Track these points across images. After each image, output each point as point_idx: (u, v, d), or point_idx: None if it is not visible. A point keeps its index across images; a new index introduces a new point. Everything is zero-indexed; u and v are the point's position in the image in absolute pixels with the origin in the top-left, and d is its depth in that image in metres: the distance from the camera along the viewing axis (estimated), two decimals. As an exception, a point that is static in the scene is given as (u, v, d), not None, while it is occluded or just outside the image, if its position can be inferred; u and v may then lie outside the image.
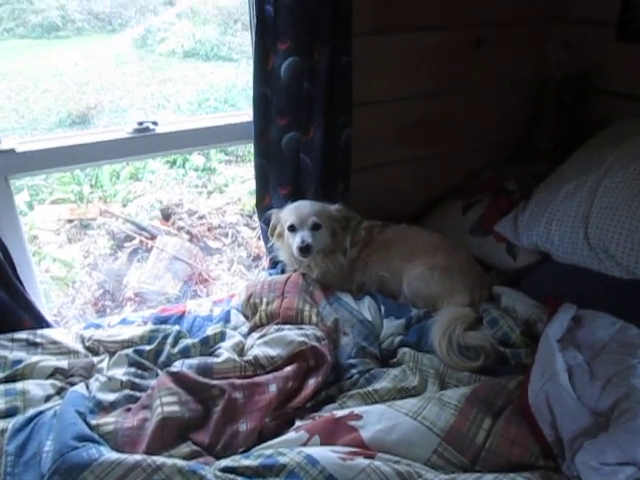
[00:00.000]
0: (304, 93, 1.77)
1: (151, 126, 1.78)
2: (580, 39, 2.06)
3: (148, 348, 1.52)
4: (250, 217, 3.16)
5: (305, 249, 1.68)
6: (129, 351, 1.51)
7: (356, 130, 1.91)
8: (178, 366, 1.39)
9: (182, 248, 2.96)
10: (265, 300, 1.65)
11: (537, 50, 2.19)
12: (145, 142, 1.79)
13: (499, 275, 1.86)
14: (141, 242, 3.03)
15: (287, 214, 1.74)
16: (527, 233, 1.80)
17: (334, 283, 1.77)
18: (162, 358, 1.51)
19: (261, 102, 1.78)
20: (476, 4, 2.01)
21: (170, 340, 1.55)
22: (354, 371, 1.46)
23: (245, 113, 1.90)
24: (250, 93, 1.78)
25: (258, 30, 1.69)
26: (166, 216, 3.29)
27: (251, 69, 1.75)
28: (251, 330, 1.62)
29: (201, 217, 3.33)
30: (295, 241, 1.70)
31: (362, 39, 1.84)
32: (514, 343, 1.51)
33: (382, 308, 1.69)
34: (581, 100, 2.04)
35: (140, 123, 1.78)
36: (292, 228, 1.71)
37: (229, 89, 4.04)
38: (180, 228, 3.21)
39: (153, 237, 3.06)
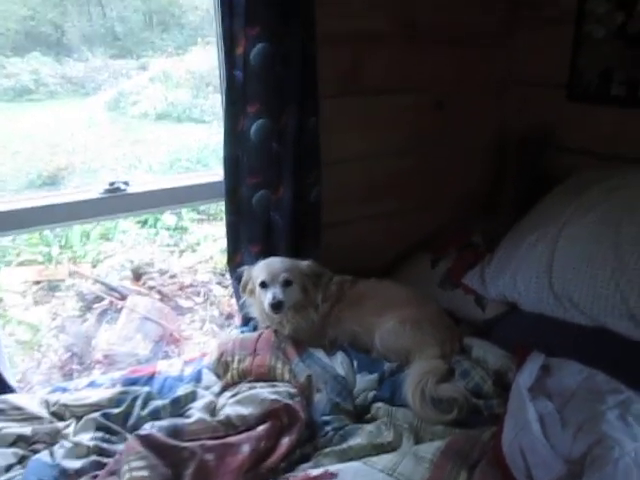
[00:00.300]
0: (273, 153, 1.82)
1: (122, 186, 1.80)
2: (535, 100, 2.19)
3: (116, 411, 1.48)
4: (222, 275, 3.15)
5: (277, 305, 1.69)
6: (96, 415, 1.47)
7: (326, 187, 1.96)
8: (147, 429, 1.36)
9: (153, 308, 2.92)
10: (237, 358, 1.64)
11: (496, 110, 2.32)
12: (116, 202, 1.81)
13: (469, 327, 1.88)
14: (111, 303, 2.99)
15: (258, 271, 1.75)
16: (494, 285, 1.84)
17: (306, 339, 1.76)
18: (131, 421, 1.47)
19: (231, 162, 1.83)
20: (437, 69, 2.13)
21: (139, 402, 1.51)
22: (328, 428, 1.44)
23: (215, 173, 1.94)
24: (222, 153, 1.83)
25: (228, 94, 1.76)
26: (137, 276, 3.26)
27: (223, 130, 1.81)
28: (223, 389, 1.59)
29: (173, 276, 3.30)
30: (267, 298, 1.70)
31: (330, 101, 1.93)
32: (486, 394, 1.52)
33: (355, 363, 1.69)
34: (539, 156, 2.14)
35: (111, 183, 1.79)
36: (263, 285, 1.72)
37: (201, 149, 4.10)
38: (151, 288, 3.18)
39: (123, 297, 3.01)
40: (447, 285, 1.98)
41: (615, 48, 1.90)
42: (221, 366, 1.66)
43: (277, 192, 1.88)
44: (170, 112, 4.29)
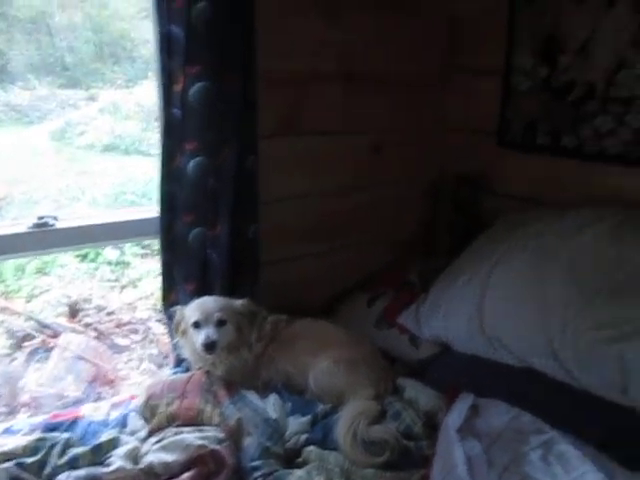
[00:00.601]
0: (210, 190, 1.82)
1: (51, 221, 1.74)
2: (469, 146, 2.28)
3: (31, 460, 1.40)
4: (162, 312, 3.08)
5: (210, 346, 1.65)
6: (10, 464, 1.38)
7: (265, 225, 1.96)
8: (63, 479, 1.28)
9: (87, 347, 2.80)
10: (165, 401, 1.58)
11: (432, 155, 2.40)
12: (44, 237, 1.75)
13: (404, 367, 1.89)
14: (43, 341, 2.85)
15: (191, 310, 1.71)
16: (428, 325, 1.87)
17: (239, 380, 1.73)
18: (47, 470, 1.39)
19: (168, 199, 1.81)
20: (376, 113, 2.20)
21: (57, 450, 1.43)
22: (257, 474, 1.40)
23: (152, 209, 1.92)
24: (166, 188, 1.81)
25: (165, 131, 1.76)
26: (73, 312, 3.13)
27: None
28: (150, 434, 1.53)
29: (110, 313, 3.20)
30: (199, 338, 1.67)
31: (270, 140, 1.95)
32: (417, 435, 1.52)
33: (288, 405, 1.66)
34: (473, 199, 2.22)
35: (40, 218, 1.74)
36: (196, 325, 1.69)
37: (147, 183, 4.05)
38: (87, 325, 3.06)
39: (56, 335, 2.89)
40: (383, 324, 2.00)
41: (540, 100, 2.01)
42: (148, 410, 1.60)
43: (214, 229, 1.86)
44: (118, 144, 4.23)
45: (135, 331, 3.11)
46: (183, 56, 1.69)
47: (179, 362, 1.91)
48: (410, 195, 2.40)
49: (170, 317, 1.85)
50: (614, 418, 1.48)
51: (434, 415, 1.58)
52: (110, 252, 3.59)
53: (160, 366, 2.80)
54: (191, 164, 1.78)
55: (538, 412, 1.53)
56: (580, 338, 1.54)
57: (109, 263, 3.57)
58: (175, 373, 1.86)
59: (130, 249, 3.66)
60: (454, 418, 1.50)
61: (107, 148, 4.18)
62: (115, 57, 3.76)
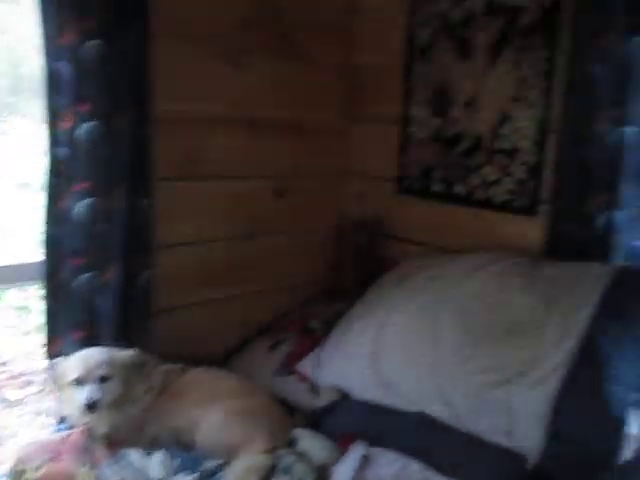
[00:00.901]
0: (101, 234, 1.73)
1: None
2: (370, 191, 2.33)
3: None
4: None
5: (91, 406, 1.53)
6: None
7: (161, 271, 1.89)
8: None
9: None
10: (34, 465, 1.44)
11: (334, 199, 2.44)
12: None
13: (304, 416, 1.84)
14: None
15: (72, 365, 1.59)
16: (326, 372, 1.84)
17: (125, 437, 1.61)
18: None
19: (53, 243, 1.71)
20: (279, 157, 2.21)
21: None
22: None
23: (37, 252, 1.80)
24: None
25: (51, 170, 1.67)
26: (-43, 364, 2.87)
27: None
28: (15, 503, 1.39)
29: (2, 364, 2.96)
30: (80, 397, 1.54)
31: (168, 183, 1.91)
32: (308, 489, 1.46)
33: (177, 461, 1.56)
34: (373, 243, 2.26)
35: None
36: (77, 381, 1.57)
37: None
38: (-29, 378, 2.81)
39: None
40: (283, 372, 1.95)
41: (434, 149, 2.10)
42: (16, 475, 1.45)
43: (104, 275, 1.77)
44: (31, 182, 4.03)
45: (30, 383, 2.88)
46: (72, 94, 1.64)
47: (63, 418, 1.77)
48: (314, 240, 2.41)
49: (51, 369, 1.72)
50: (503, 463, 1.49)
51: (327, 467, 1.53)
52: (14, 295, 3.35)
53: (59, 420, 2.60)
54: (80, 206, 1.70)
55: (431, 459, 1.51)
56: (468, 383, 1.56)
57: (12, 307, 3.33)
58: (59, 430, 1.72)
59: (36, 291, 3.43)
60: (346, 469, 1.46)
61: (22, 185, 3.97)
62: (32, 91, 3.61)
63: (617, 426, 1.33)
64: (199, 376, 1.76)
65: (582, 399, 1.40)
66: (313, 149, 2.32)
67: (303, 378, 1.90)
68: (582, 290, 1.59)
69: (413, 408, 1.68)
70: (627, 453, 1.35)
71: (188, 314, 2.05)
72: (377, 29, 2.29)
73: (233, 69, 2.03)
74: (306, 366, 1.91)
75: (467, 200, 2.01)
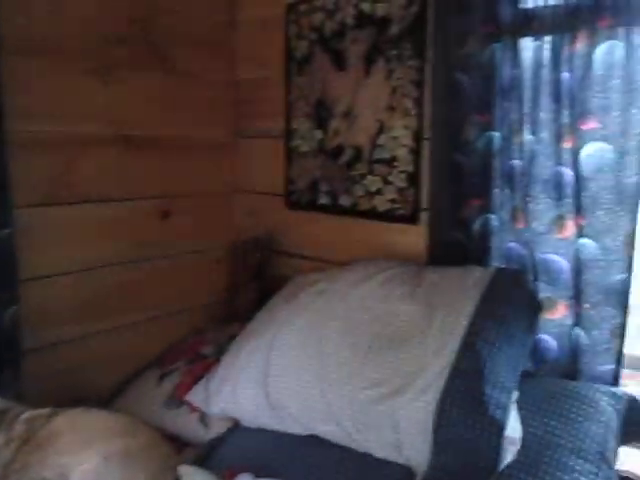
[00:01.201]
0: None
1: None
2: (260, 207, 2.27)
3: None
4: None
5: None
6: None
7: (29, 306, 1.74)
8: None
9: None
10: None
11: (225, 218, 2.36)
12: None
13: (194, 450, 1.73)
14: None
15: None
16: (216, 400, 1.74)
17: (-17, 497, 1.44)
18: None
19: None
20: (163, 176, 2.11)
21: None
22: None
23: None
24: None
25: None
26: None
27: None
28: None
29: None
30: None
31: (33, 210, 1.76)
32: (189, 533, 1.36)
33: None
34: (266, 262, 2.19)
35: None
36: None
37: None
38: None
39: None
40: (172, 404, 1.83)
41: (318, 162, 2.07)
42: None
43: (-41, 316, 1.60)
44: None
45: None
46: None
47: None
48: (206, 261, 2.31)
49: None
50: (392, 479, 1.45)
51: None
52: None
53: None
54: None
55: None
56: (355, 399, 1.51)
57: None
58: None
59: None
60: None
61: None
62: None
63: (497, 430, 1.33)
64: (71, 419, 1.61)
65: (462, 406, 1.38)
66: (200, 166, 2.24)
67: (193, 409, 1.80)
68: (461, 295, 1.59)
69: (304, 431, 1.62)
70: (508, 456, 1.36)
71: (68, 350, 1.89)
72: (257, 43, 2.25)
73: (103, 85, 1.92)
74: (196, 395, 1.80)
75: (353, 211, 2.00)
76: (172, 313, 2.20)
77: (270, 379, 1.67)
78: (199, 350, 2.01)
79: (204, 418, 1.78)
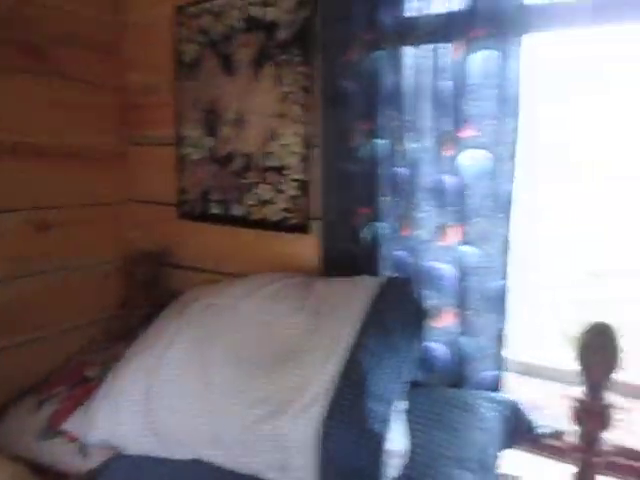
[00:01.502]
0: None
1: None
2: (152, 218, 2.16)
3: None
4: None
5: None
6: None
7: None
8: None
9: None
10: None
11: (113, 230, 2.23)
12: None
13: (74, 482, 1.60)
14: None
15: None
16: (95, 427, 1.61)
17: None
18: None
19: None
20: (44, 187, 1.97)
21: None
22: None
23: None
24: None
25: None
26: None
27: None
28: None
29: None
30: None
31: None
32: None
33: None
34: (159, 275, 2.08)
35: None
36: None
37: None
38: None
39: None
40: (48, 434, 1.69)
41: (210, 171, 1.99)
42: None
43: None
44: None
45: None
46: None
47: None
48: (94, 275, 2.17)
49: None
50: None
51: None
52: None
53: None
54: None
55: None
56: (240, 420, 1.44)
57: None
58: None
59: None
60: None
61: None
62: None
63: (377, 444, 1.29)
64: None
65: (345, 420, 1.34)
66: (88, 176, 2.11)
67: (72, 438, 1.66)
68: (350, 306, 1.56)
69: (191, 456, 1.53)
70: (391, 471, 1.33)
71: None
72: (146, 46, 2.15)
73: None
74: (74, 423, 1.66)
75: (245, 221, 1.93)
76: (58, 333, 2.05)
77: (154, 402, 1.57)
78: (85, 373, 1.87)
79: (83, 448, 1.65)
